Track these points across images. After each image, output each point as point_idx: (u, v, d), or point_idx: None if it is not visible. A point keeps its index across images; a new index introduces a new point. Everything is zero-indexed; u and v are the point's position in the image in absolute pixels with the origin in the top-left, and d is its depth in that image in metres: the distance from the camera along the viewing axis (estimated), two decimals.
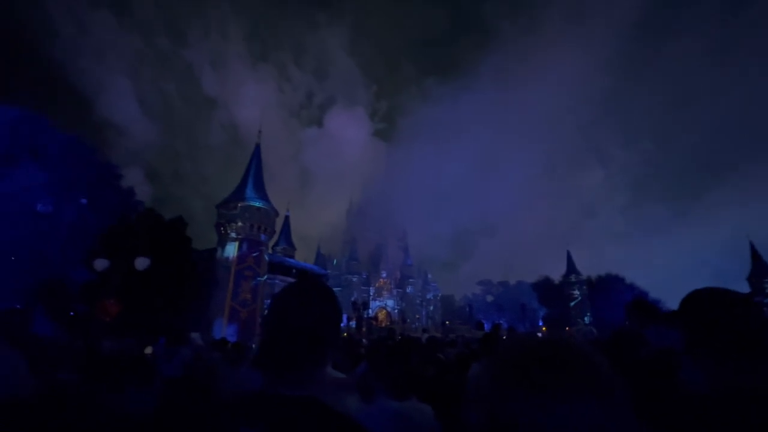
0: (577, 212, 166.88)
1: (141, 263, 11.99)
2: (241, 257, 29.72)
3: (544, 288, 58.59)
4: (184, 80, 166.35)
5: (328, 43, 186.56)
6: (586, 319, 53.15)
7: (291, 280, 35.95)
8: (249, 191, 32.12)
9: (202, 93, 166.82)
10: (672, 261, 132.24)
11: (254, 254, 30.46)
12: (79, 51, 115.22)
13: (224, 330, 26.19)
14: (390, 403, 1.66)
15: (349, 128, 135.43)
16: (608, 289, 52.80)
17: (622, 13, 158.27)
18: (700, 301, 1.07)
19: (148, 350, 6.17)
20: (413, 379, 3.32)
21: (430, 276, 62.17)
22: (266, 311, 0.88)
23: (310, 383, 0.78)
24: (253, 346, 7.07)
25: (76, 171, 25.00)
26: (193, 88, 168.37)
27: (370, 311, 50.02)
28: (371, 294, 53.93)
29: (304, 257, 52.21)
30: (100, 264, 11.59)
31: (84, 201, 24.59)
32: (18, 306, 20.48)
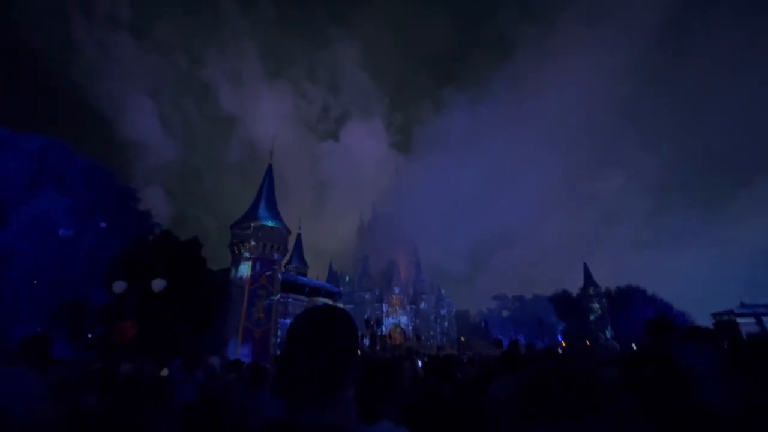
0: (596, 221, 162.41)
1: (158, 285, 12.16)
2: (254, 277, 29.90)
3: (561, 302, 57.06)
4: (198, 100, 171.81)
5: (340, 59, 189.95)
6: (607, 333, 51.38)
7: (304, 298, 35.99)
8: (262, 211, 32.60)
9: (216, 112, 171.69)
10: (699, 270, 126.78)
11: (267, 273, 30.62)
12: (99, 73, 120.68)
13: (239, 350, 26.14)
14: (364, 428, 1.62)
15: (363, 141, 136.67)
16: (628, 301, 51.14)
17: (640, 16, 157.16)
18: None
19: (164, 372, 6.19)
20: (429, 398, 3.24)
21: (443, 291, 61.33)
22: (285, 337, 0.88)
23: (331, 409, 0.77)
24: (268, 366, 7.02)
25: (95, 195, 25.84)
26: (208, 108, 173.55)
27: (383, 328, 49.36)
28: (384, 311, 53.36)
29: (316, 274, 52.24)
30: (119, 286, 11.80)
31: (103, 224, 25.29)
32: (39, 328, 20.88)
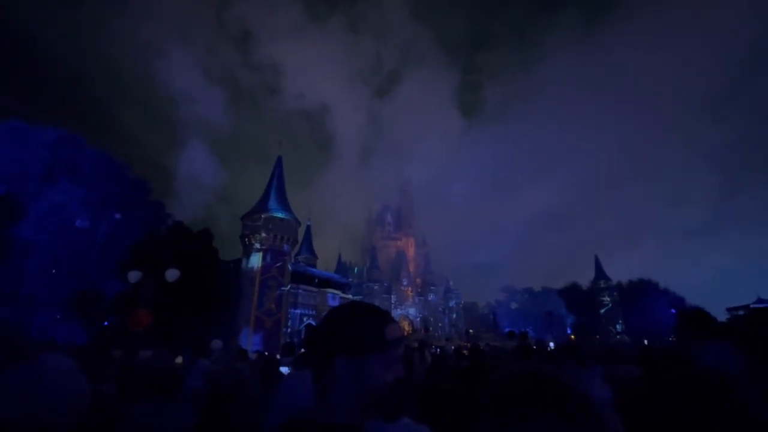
0: (650, 205, 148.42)
1: (171, 275, 12.36)
2: (265, 267, 30.28)
3: (571, 295, 56.63)
4: (232, 50, 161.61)
5: (386, 8, 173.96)
6: (618, 326, 50.91)
7: (313, 289, 36.24)
8: (272, 202, 32.84)
9: (250, 70, 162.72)
10: (743, 260, 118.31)
11: (278, 264, 30.96)
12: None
13: (250, 339, 26.63)
14: (383, 426, 1.59)
15: (403, 106, 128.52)
16: (640, 295, 50.50)
17: None
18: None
19: (179, 360, 6.34)
20: (446, 395, 3.23)
21: (452, 283, 61.33)
22: (309, 333, 0.87)
23: (357, 407, 0.77)
24: (278, 356, 7.13)
25: (109, 187, 26.28)
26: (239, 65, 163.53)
27: None
28: (393, 302, 53.64)
29: (325, 265, 52.61)
30: (134, 276, 12.03)
31: (117, 215, 25.77)
32: (57, 317, 21.51)
